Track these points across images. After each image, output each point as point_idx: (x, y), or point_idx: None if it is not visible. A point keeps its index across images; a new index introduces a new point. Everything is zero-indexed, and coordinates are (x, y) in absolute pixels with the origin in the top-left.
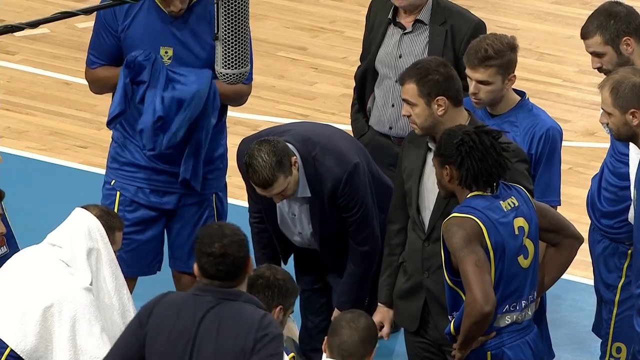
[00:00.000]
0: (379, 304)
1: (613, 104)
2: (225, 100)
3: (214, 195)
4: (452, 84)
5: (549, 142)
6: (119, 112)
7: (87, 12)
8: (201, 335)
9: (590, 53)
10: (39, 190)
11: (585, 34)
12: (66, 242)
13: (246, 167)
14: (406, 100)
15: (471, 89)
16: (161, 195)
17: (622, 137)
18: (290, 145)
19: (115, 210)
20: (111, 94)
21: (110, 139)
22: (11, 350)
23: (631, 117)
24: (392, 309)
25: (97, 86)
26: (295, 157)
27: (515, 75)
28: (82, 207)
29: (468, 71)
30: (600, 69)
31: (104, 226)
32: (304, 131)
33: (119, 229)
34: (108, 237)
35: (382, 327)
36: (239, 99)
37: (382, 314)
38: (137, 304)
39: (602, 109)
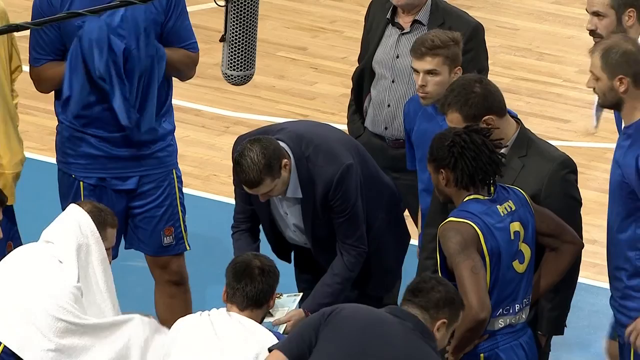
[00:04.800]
0: None
1: (602, 69)
2: (173, 68)
3: (173, 171)
4: (493, 99)
5: None
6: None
7: (93, 12)
8: (388, 348)
9: (591, 12)
10: (39, 190)
11: None
12: (58, 238)
13: (235, 165)
14: None
15: (419, 81)
16: (123, 180)
17: (607, 104)
18: (283, 144)
19: (82, 198)
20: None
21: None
22: (4, 348)
23: (618, 83)
24: None
25: (46, 84)
26: (286, 159)
27: (460, 69)
28: (76, 203)
29: (415, 63)
30: (593, 32)
31: (94, 221)
32: (299, 130)
33: (112, 226)
34: (99, 232)
35: None
36: (186, 69)
37: None
38: (138, 304)
39: (591, 72)
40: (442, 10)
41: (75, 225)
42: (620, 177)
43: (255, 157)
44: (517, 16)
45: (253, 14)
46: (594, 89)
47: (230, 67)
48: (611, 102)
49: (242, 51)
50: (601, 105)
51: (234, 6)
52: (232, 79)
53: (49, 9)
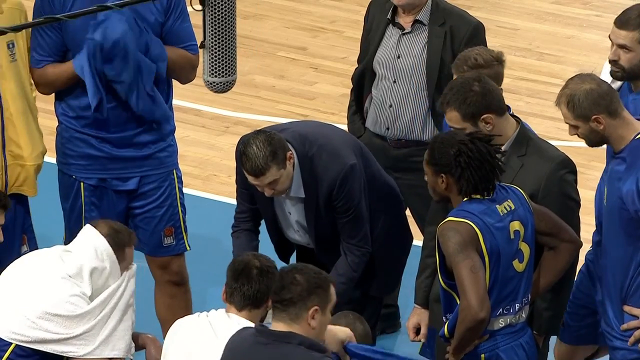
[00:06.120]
0: (415, 305)
1: (574, 117)
2: (173, 68)
3: (173, 171)
4: (492, 98)
5: None
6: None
7: (91, 12)
8: None
9: (616, 44)
10: (39, 190)
11: (624, 24)
12: (73, 258)
13: (240, 155)
14: (453, 127)
15: None
16: (124, 181)
17: (594, 144)
18: (287, 144)
19: (82, 198)
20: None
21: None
22: (12, 351)
23: (596, 123)
24: (427, 311)
25: (47, 86)
26: (291, 152)
27: (502, 89)
28: (92, 223)
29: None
30: (615, 63)
31: (111, 245)
32: (303, 130)
33: (129, 245)
34: (116, 254)
35: (418, 329)
36: (182, 70)
37: (418, 316)
38: (138, 304)
39: (567, 123)
40: (443, 10)
41: (91, 249)
42: (619, 202)
43: (261, 144)
44: (517, 16)
45: (230, 18)
46: (577, 135)
47: (212, 74)
48: (597, 141)
49: (222, 57)
50: (591, 146)
51: (211, 11)
52: (213, 85)
53: (50, 10)
